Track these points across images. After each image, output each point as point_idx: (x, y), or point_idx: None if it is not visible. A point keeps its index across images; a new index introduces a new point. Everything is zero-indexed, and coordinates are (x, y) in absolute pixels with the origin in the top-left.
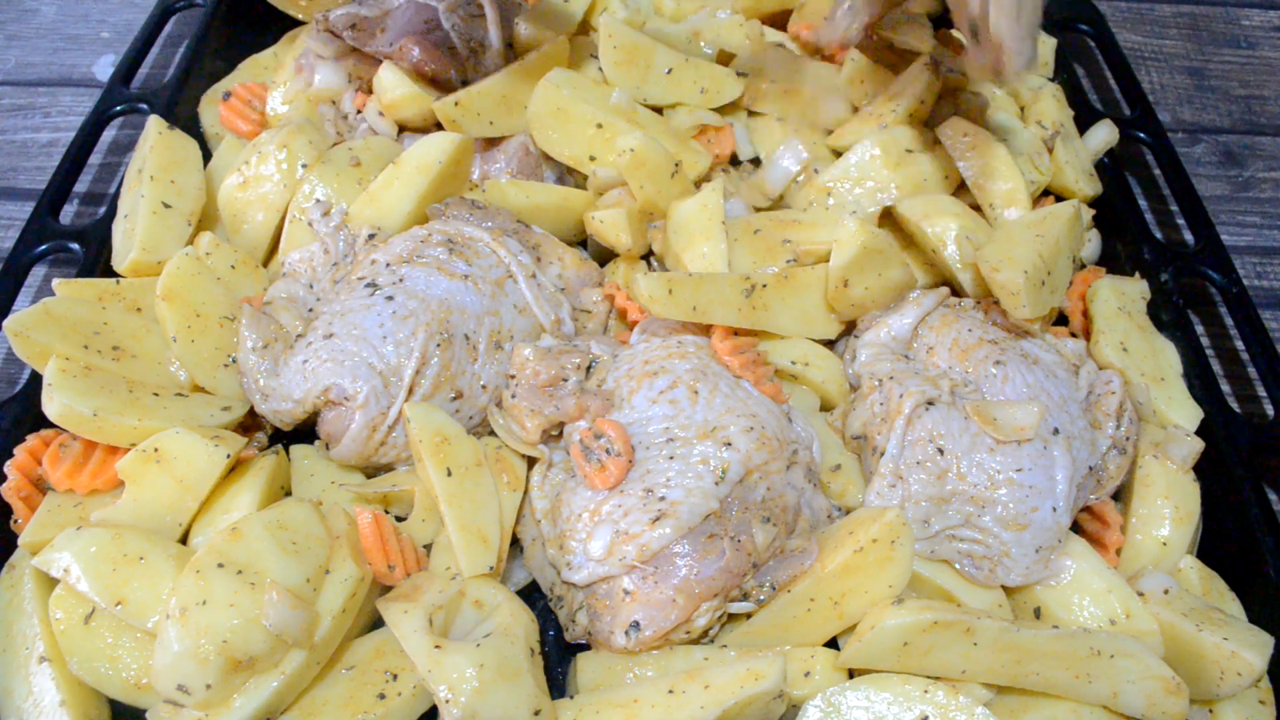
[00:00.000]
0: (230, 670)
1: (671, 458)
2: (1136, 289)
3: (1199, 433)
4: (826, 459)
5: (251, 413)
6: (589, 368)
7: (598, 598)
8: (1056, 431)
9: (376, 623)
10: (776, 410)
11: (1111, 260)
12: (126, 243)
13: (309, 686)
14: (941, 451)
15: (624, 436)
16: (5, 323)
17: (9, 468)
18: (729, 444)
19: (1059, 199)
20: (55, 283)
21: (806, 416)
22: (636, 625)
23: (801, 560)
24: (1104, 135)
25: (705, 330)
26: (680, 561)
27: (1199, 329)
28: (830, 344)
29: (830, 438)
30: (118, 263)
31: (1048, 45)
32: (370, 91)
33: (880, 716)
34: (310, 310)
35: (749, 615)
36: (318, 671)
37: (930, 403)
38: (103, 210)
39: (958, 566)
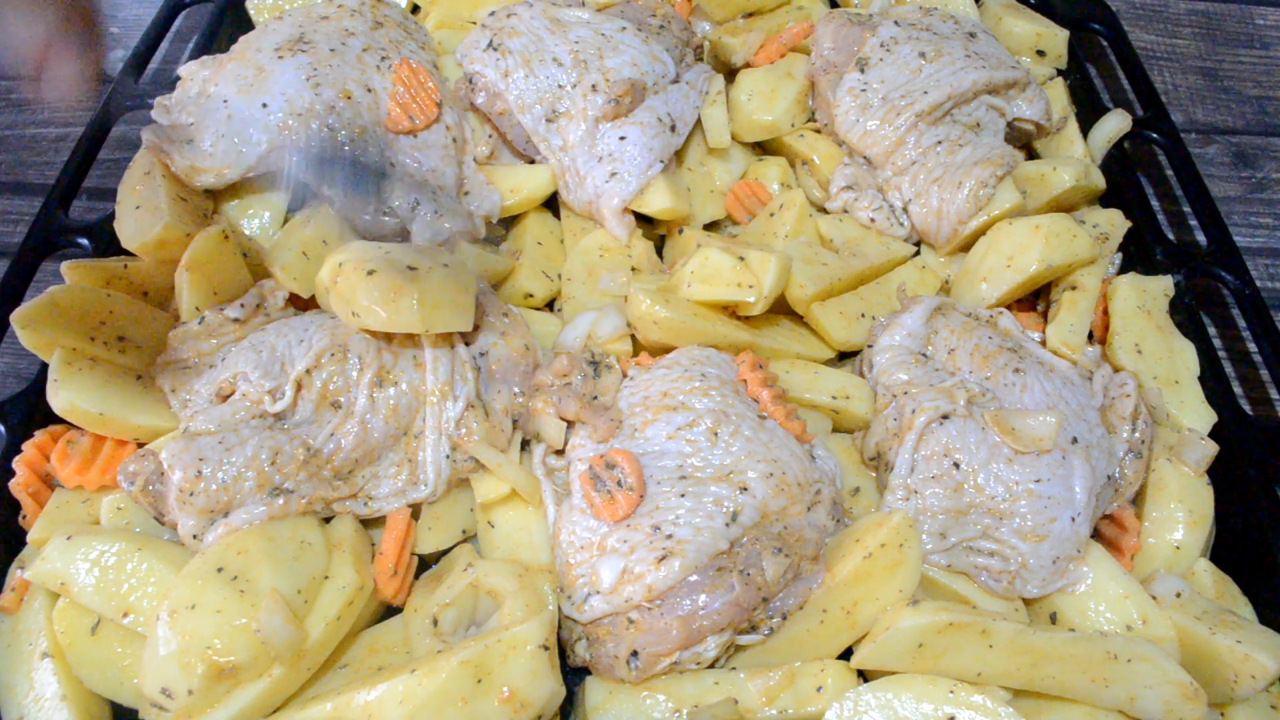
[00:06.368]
0: (213, 676)
1: (683, 495)
2: (1160, 285)
3: (1211, 435)
4: (846, 483)
5: None
6: (595, 369)
7: (599, 626)
8: (1075, 441)
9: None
10: (800, 451)
11: (1124, 262)
12: (151, 219)
13: (302, 687)
14: (957, 465)
15: (638, 470)
16: (12, 315)
17: (17, 464)
18: (745, 489)
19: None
20: (64, 265)
21: (822, 438)
22: (636, 655)
23: (810, 583)
24: (1115, 124)
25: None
26: (687, 595)
27: (1211, 331)
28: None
29: (850, 460)
30: (141, 237)
31: (1060, 37)
32: None
33: (906, 718)
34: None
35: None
36: (308, 677)
37: (945, 417)
38: (112, 206)
39: (977, 581)
